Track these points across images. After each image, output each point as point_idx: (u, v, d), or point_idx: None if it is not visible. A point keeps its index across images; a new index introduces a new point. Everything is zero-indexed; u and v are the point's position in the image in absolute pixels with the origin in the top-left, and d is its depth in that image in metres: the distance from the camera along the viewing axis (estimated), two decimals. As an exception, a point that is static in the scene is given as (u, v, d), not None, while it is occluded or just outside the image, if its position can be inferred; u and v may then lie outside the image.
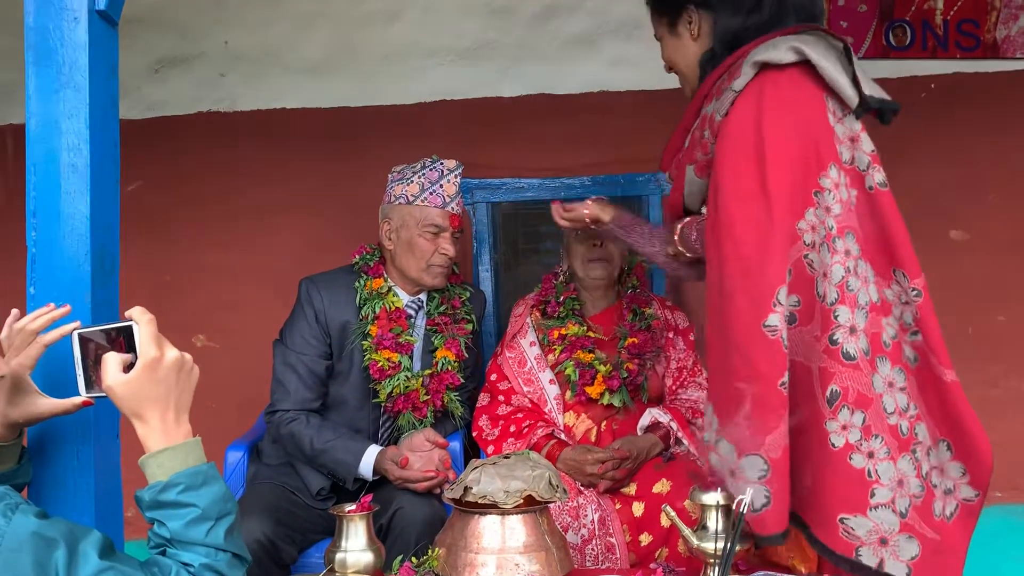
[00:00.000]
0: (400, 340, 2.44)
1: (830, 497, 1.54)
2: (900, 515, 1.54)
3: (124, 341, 1.22)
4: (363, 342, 2.43)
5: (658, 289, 3.08)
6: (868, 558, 1.52)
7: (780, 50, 1.62)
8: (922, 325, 1.59)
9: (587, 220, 2.14)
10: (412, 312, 2.52)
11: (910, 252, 1.60)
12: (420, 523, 2.18)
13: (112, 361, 1.19)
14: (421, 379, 2.44)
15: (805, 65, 1.62)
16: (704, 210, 1.84)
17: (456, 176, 2.49)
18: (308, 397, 2.41)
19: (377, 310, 2.44)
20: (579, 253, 2.60)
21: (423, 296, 2.55)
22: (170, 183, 3.16)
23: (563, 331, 2.57)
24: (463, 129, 3.13)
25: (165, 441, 1.18)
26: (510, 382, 2.57)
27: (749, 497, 1.52)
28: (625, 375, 2.48)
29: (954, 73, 3.09)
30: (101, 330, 1.24)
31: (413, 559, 1.73)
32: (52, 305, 1.36)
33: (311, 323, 2.43)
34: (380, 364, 2.41)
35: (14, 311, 1.36)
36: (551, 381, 2.53)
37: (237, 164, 3.16)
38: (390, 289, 2.50)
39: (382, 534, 2.21)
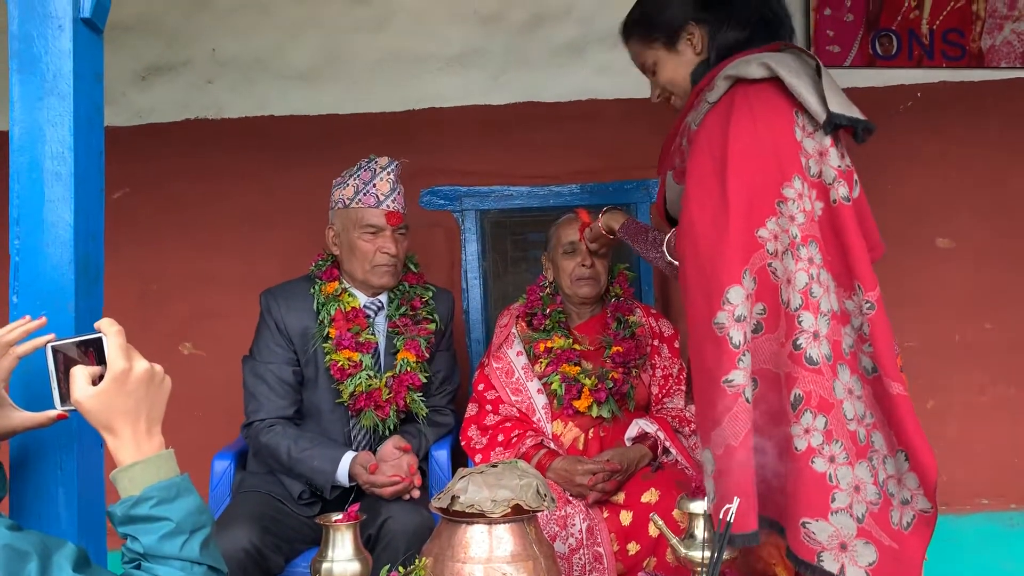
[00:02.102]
0: (360, 339, 2.44)
1: (794, 501, 1.57)
2: (857, 520, 1.56)
3: (95, 353, 1.20)
4: (324, 344, 2.43)
5: (644, 297, 3.08)
6: (830, 563, 1.53)
7: (751, 66, 1.70)
8: (873, 337, 1.62)
9: (603, 233, 2.28)
10: (371, 313, 2.52)
11: (866, 265, 1.64)
12: (409, 533, 2.17)
13: (80, 375, 1.17)
14: (384, 379, 2.44)
15: (777, 81, 1.68)
16: None
17: (389, 173, 2.48)
18: (281, 404, 2.41)
19: (333, 312, 2.45)
20: (567, 270, 2.61)
21: (383, 298, 2.55)
22: (157, 190, 3.14)
23: (549, 344, 2.57)
24: (451, 137, 3.13)
25: (137, 454, 1.15)
26: (497, 392, 2.56)
27: (708, 491, 1.59)
28: (611, 385, 2.48)
29: (940, 82, 3.11)
30: (73, 342, 1.23)
31: (400, 569, 1.72)
32: (28, 317, 1.35)
33: (273, 333, 2.45)
34: (341, 364, 2.41)
35: None
36: (539, 391, 2.53)
37: (224, 172, 3.15)
38: (345, 290, 2.50)
39: (370, 544, 2.20)
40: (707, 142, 1.70)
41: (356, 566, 1.77)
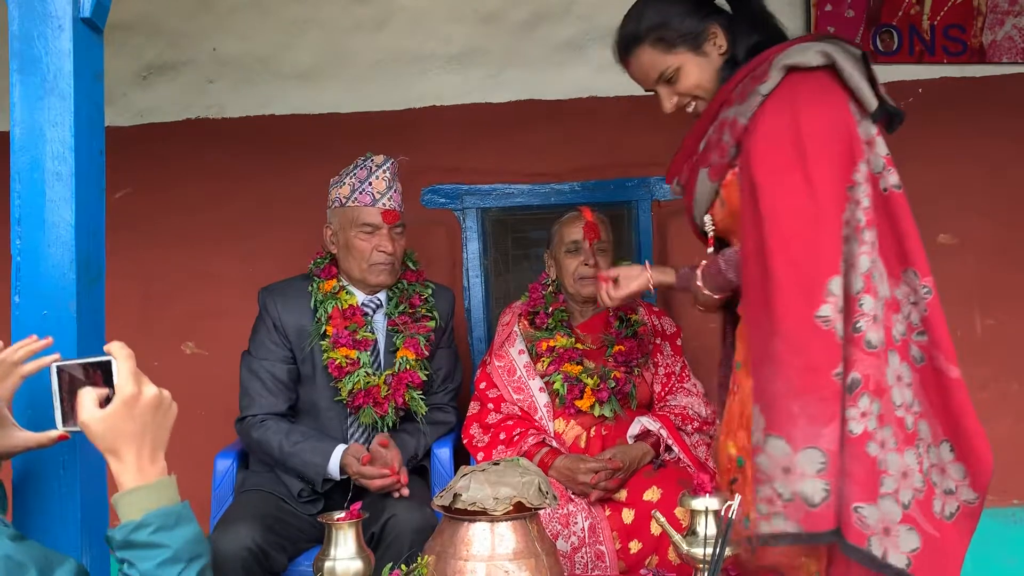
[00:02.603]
0: (357, 337, 2.44)
1: (847, 485, 1.53)
2: (903, 506, 1.54)
3: (102, 375, 1.19)
4: (322, 342, 2.44)
5: (645, 295, 3.07)
6: (876, 548, 1.52)
7: (809, 54, 1.66)
8: (930, 323, 1.61)
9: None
10: (369, 311, 2.52)
11: (922, 251, 1.63)
12: (412, 531, 2.17)
13: (87, 396, 1.17)
14: (383, 376, 2.44)
15: (829, 69, 1.66)
16: (706, 220, 1.88)
17: (385, 171, 2.48)
18: (273, 401, 2.42)
19: (330, 310, 2.45)
20: (569, 269, 2.60)
21: (381, 296, 2.55)
22: (158, 190, 3.14)
23: (551, 343, 2.57)
24: (452, 135, 3.13)
25: (139, 479, 1.15)
26: (499, 390, 2.56)
27: (808, 491, 1.50)
28: (613, 384, 2.48)
29: (941, 78, 3.11)
30: (79, 363, 1.22)
31: (403, 567, 1.73)
32: (34, 337, 1.35)
33: (270, 330, 2.46)
34: (338, 362, 2.41)
35: None
36: (540, 389, 2.53)
37: (225, 171, 3.15)
38: (343, 288, 2.51)
39: (374, 542, 2.21)
40: (775, 133, 1.65)
41: (359, 564, 1.77)
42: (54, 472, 1.39)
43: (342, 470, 2.33)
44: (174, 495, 1.17)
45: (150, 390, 1.18)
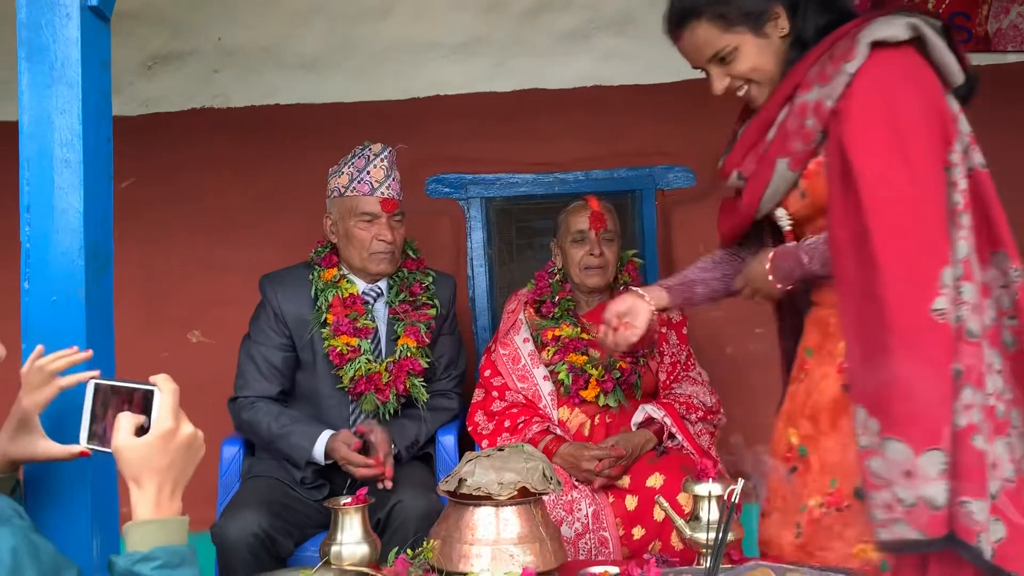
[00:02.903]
0: (358, 325, 2.46)
1: (953, 479, 1.46)
2: (991, 497, 1.48)
3: (140, 402, 1.20)
4: (323, 331, 2.45)
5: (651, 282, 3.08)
6: (984, 544, 1.45)
7: (896, 27, 1.55)
8: (1021, 307, 1.54)
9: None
10: (371, 299, 2.54)
11: (1009, 233, 1.56)
12: (418, 516, 2.19)
13: (126, 422, 1.17)
14: (385, 364, 2.46)
15: (915, 43, 1.57)
16: (780, 213, 1.76)
17: (383, 160, 2.48)
18: (266, 385, 2.45)
19: (331, 298, 2.47)
20: (576, 259, 2.60)
21: (382, 284, 2.56)
22: (164, 179, 3.15)
23: (557, 332, 2.57)
24: (457, 124, 3.14)
25: (155, 512, 1.16)
26: (504, 378, 2.57)
27: (931, 494, 1.42)
28: (618, 375, 2.48)
29: (945, 66, 3.10)
30: (120, 385, 1.22)
31: (408, 551, 1.74)
32: (76, 348, 1.35)
33: (269, 317, 2.49)
34: (339, 349, 2.43)
35: (39, 347, 1.35)
36: (545, 377, 2.54)
37: (231, 160, 3.16)
38: (343, 277, 2.52)
39: (380, 528, 2.23)
40: (869, 115, 1.54)
41: (364, 548, 1.78)
42: (66, 469, 1.40)
43: (328, 455, 2.35)
44: (183, 536, 1.18)
45: (187, 428, 1.19)
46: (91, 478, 1.41)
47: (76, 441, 1.26)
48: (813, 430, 1.70)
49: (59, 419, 1.38)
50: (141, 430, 1.18)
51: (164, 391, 1.18)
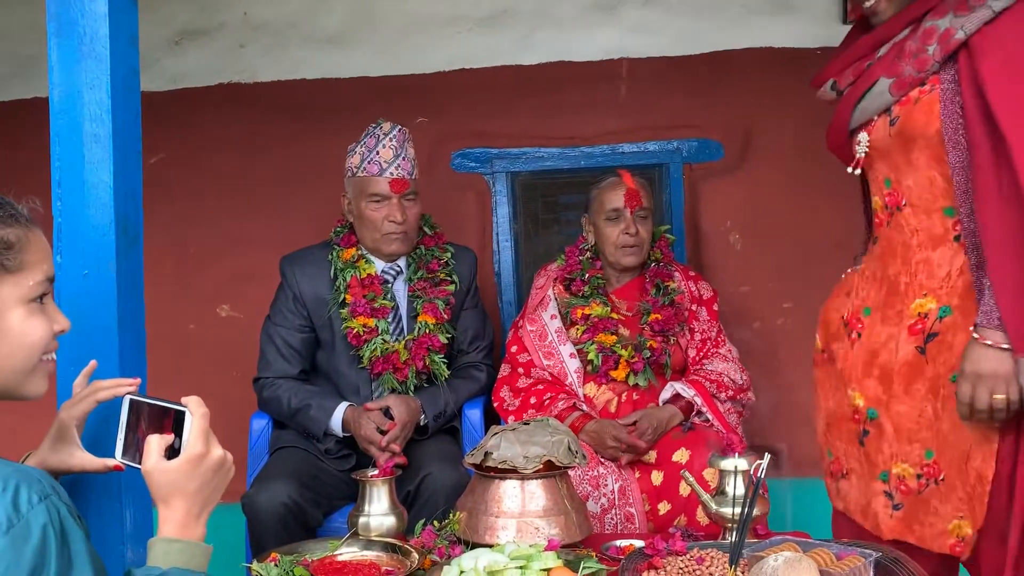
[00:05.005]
0: (375, 305, 2.47)
1: None
2: None
3: (172, 422, 1.21)
4: (341, 311, 2.47)
5: (679, 258, 3.06)
6: None
7: None
8: None
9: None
10: (389, 278, 2.54)
11: None
12: (448, 488, 2.21)
13: (155, 444, 1.19)
14: (404, 342, 2.47)
15: None
16: (862, 138, 1.71)
17: (392, 139, 2.46)
18: (286, 366, 2.49)
19: (349, 278, 2.48)
20: (610, 238, 2.56)
21: (401, 263, 2.57)
22: (191, 155, 3.17)
23: (587, 311, 2.54)
24: (482, 98, 3.12)
25: (180, 533, 1.17)
26: (530, 355, 2.56)
27: None
28: (648, 355, 2.46)
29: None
30: (154, 403, 1.24)
31: (435, 523, 1.76)
32: (134, 380, 1.35)
33: (288, 298, 2.52)
34: (356, 330, 2.45)
35: (92, 363, 1.37)
36: (571, 355, 2.52)
37: (258, 135, 3.17)
38: (362, 256, 2.52)
39: (410, 500, 2.25)
40: (1019, 58, 1.49)
41: (392, 520, 1.81)
42: (102, 480, 1.40)
43: (345, 427, 2.38)
44: (203, 564, 1.19)
45: (217, 452, 1.20)
46: (126, 490, 1.42)
47: (110, 454, 1.29)
48: (884, 393, 1.67)
49: (94, 432, 1.39)
50: (172, 450, 1.19)
51: (195, 415, 1.20)
